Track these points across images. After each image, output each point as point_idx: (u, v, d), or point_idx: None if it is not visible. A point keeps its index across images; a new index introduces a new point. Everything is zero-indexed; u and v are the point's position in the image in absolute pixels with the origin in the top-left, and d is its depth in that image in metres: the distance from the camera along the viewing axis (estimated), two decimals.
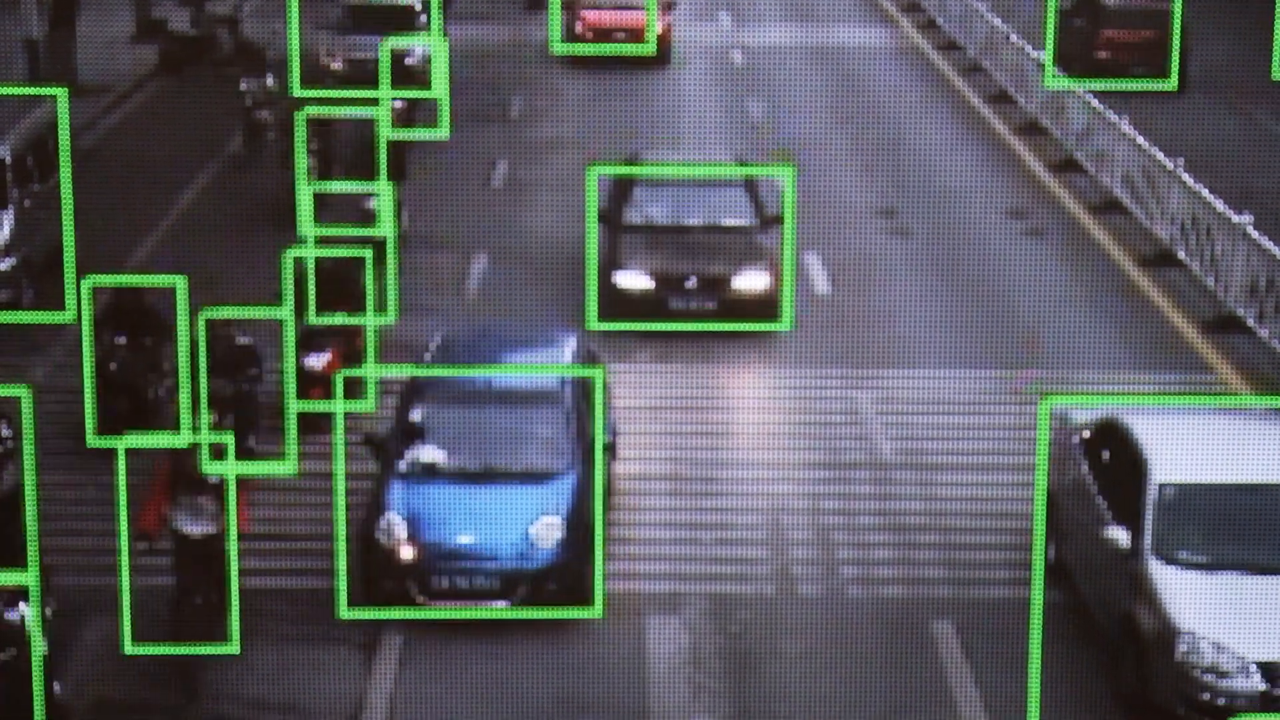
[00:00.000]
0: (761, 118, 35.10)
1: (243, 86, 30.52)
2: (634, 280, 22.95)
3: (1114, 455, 16.08)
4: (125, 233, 26.24)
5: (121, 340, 19.31)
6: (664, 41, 39.81)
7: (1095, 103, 30.84)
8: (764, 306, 22.55)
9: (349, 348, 19.83)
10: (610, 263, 23.15)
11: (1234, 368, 22.19)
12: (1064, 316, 23.94)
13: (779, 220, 22.91)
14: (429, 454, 16.67)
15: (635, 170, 24.60)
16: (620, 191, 24.43)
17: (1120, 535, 15.10)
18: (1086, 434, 16.85)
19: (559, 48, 35.74)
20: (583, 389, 17.44)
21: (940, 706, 15.06)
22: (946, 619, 16.30)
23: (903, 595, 16.80)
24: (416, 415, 17.00)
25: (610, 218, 23.93)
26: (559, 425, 16.92)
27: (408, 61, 35.01)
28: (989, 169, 32.07)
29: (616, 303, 22.57)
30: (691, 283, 22.76)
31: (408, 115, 27.08)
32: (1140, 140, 28.15)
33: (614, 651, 15.67)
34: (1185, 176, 25.93)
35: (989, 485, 18.79)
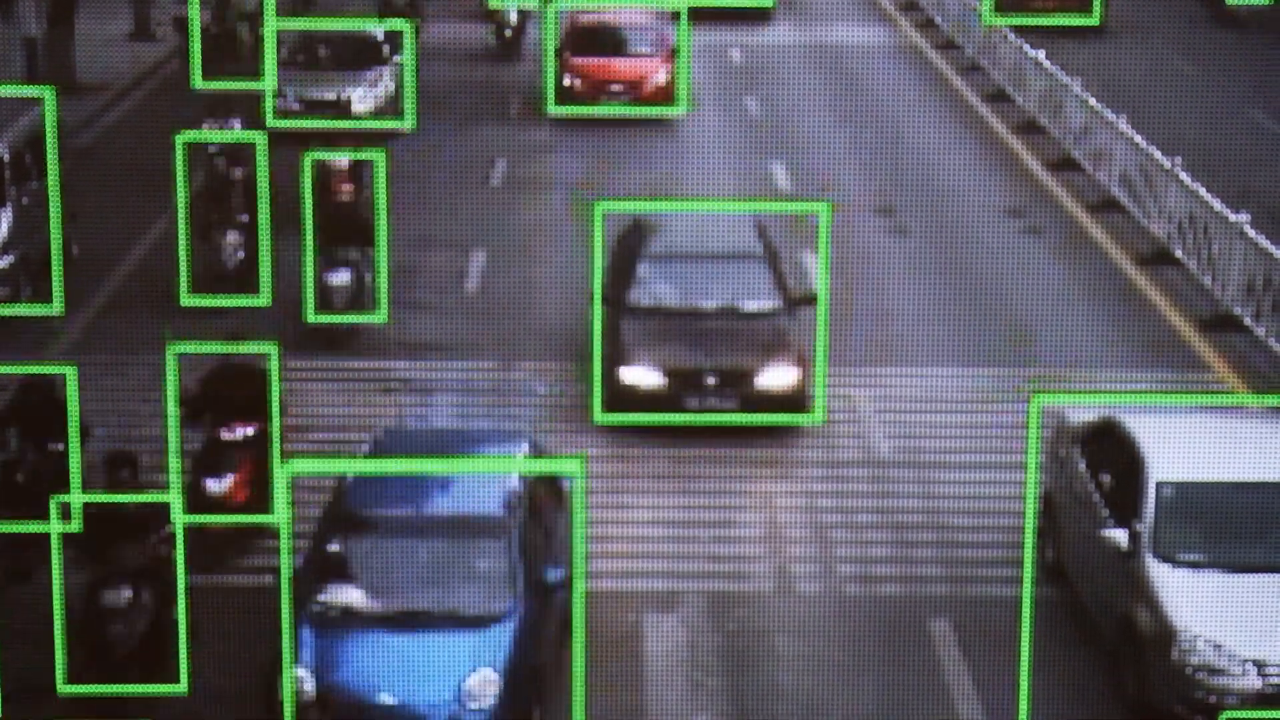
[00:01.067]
0: (760, 115, 35.11)
1: (206, 128, 25.37)
2: (643, 377, 20.05)
3: (1112, 454, 16.09)
4: (122, 231, 26.24)
5: (28, 443, 16.31)
6: (665, 95, 34.41)
7: (1093, 101, 30.89)
8: (791, 403, 19.98)
9: (262, 466, 16.76)
10: (614, 355, 20.27)
11: (1231, 366, 22.23)
12: (1061, 315, 23.97)
13: (807, 300, 20.55)
14: (346, 594, 14.33)
15: (641, 205, 21.95)
16: (621, 266, 21.40)
17: (1118, 535, 15.12)
18: (1084, 434, 16.87)
19: (555, 108, 29.34)
20: (533, 512, 15.16)
21: (937, 704, 15.08)
22: (944, 617, 16.33)
23: (900, 593, 16.82)
24: (334, 546, 14.62)
25: (611, 299, 20.92)
26: (501, 559, 14.47)
27: (358, 107, 32.21)
28: (987, 167, 32.09)
29: (623, 402, 19.99)
30: (711, 380, 20.07)
31: (356, 178, 23.98)
32: (1138, 139, 28.20)
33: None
34: (1183, 175, 25.97)
35: (986, 483, 18.82)
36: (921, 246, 27.08)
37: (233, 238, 23.05)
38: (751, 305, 20.89)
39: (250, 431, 16.91)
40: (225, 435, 16.96)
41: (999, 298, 24.71)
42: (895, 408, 20.88)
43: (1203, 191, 25.20)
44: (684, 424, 19.87)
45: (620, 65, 34.57)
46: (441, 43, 39.21)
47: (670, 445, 19.70)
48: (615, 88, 34.08)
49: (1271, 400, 19.83)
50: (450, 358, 22.05)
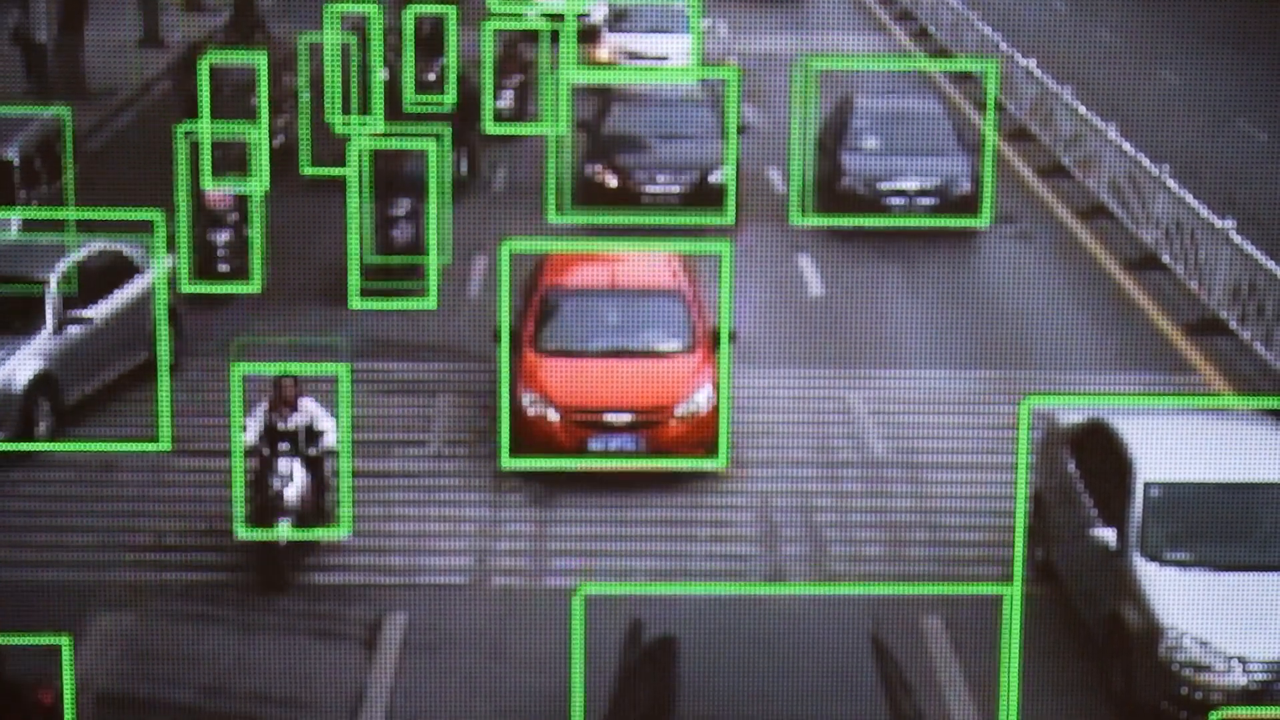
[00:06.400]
0: (755, 122, 35.34)
1: None
2: None
3: (1100, 455, 16.28)
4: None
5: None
6: (708, 431, 18.91)
7: (1083, 109, 31.24)
8: None
9: None
10: None
11: (1216, 369, 22.54)
12: (1052, 318, 24.25)
13: None
14: None
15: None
16: None
17: (1107, 534, 15.33)
18: (1074, 435, 17.15)
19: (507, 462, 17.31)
20: None
21: (930, 701, 15.22)
22: (936, 614, 16.48)
23: (893, 591, 17.03)
24: None
25: None
26: None
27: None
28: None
29: None
30: None
31: None
32: (1126, 146, 28.55)
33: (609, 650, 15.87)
34: (1170, 182, 26.32)
35: (978, 483, 19.05)
36: (915, 251, 27.35)
37: None
38: None
39: None
40: None
41: (990, 301, 25.01)
42: (889, 408, 21.16)
43: (1189, 198, 25.56)
44: None
45: (627, 376, 19.39)
46: None
47: None
48: (621, 422, 19.03)
49: (1256, 402, 20.18)
50: None
